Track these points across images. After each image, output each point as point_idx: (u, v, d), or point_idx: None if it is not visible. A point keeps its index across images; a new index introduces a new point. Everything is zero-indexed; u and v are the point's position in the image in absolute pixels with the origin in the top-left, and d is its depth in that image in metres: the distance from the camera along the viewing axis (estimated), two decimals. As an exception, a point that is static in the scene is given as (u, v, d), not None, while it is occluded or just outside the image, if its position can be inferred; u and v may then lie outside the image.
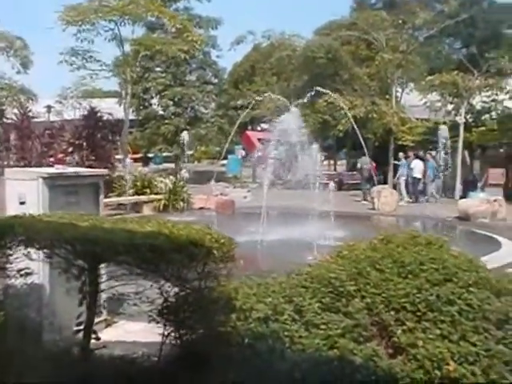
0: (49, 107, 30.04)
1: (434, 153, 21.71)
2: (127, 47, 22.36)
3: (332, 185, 16.58)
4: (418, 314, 4.51)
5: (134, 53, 21.55)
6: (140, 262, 3.70)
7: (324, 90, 17.89)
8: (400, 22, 25.95)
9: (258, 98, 18.84)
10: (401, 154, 23.33)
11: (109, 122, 20.10)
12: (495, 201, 15.92)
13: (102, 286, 4.17)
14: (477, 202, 15.98)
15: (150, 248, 3.57)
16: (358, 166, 23.01)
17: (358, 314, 4.46)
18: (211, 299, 4.23)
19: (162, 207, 16.96)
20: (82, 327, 3.98)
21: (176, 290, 4.16)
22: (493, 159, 26.14)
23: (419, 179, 22.09)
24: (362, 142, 17.53)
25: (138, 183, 17.57)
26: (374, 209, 18.45)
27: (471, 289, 4.66)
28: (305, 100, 22.36)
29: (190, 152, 35.93)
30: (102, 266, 4.10)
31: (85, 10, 18.72)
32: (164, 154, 35.52)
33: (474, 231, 13.53)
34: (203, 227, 4.39)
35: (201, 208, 17.99)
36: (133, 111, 31.27)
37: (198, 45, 21.04)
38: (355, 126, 17.07)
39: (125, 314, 5.57)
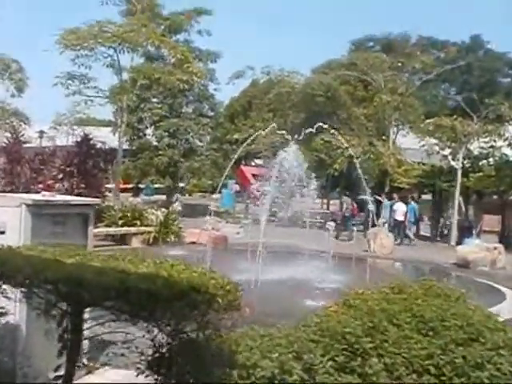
0: (41, 132, 29.61)
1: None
2: (125, 75, 22.20)
3: (331, 224, 16.18)
4: (443, 378, 4.01)
5: (132, 81, 21.27)
6: (133, 308, 3.18)
7: (324, 125, 17.55)
8: (399, 64, 26.05)
9: (261, 132, 18.36)
10: (383, 196, 23.16)
11: (101, 151, 19.67)
12: (495, 248, 15.55)
13: (86, 333, 3.63)
14: (476, 248, 15.58)
15: (145, 293, 3.07)
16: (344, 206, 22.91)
17: (377, 377, 3.96)
18: (210, 352, 3.71)
19: (151, 240, 16.39)
20: (59, 381, 3.43)
21: (170, 340, 3.64)
22: (488, 206, 25.94)
23: (401, 221, 21.95)
24: (363, 181, 17.13)
25: (128, 214, 17.01)
26: (368, 251, 17.96)
27: (501, 351, 4.18)
28: (301, 137, 22.11)
29: (182, 184, 35.56)
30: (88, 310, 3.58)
31: (84, 35, 18.41)
32: (155, 186, 35.06)
33: (474, 280, 13.06)
34: (206, 270, 3.91)
35: (192, 242, 17.43)
36: (126, 141, 30.92)
37: (198, 76, 20.80)
38: (356, 163, 16.68)
39: (108, 362, 5.02)
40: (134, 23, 18.53)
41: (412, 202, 23.41)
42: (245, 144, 19.97)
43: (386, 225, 22.00)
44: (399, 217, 22.03)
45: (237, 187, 31.35)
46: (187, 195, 43.77)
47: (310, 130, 20.27)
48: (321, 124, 16.75)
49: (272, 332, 4.36)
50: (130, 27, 18.33)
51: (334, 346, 4.08)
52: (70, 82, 20.76)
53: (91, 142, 18.89)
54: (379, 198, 23.15)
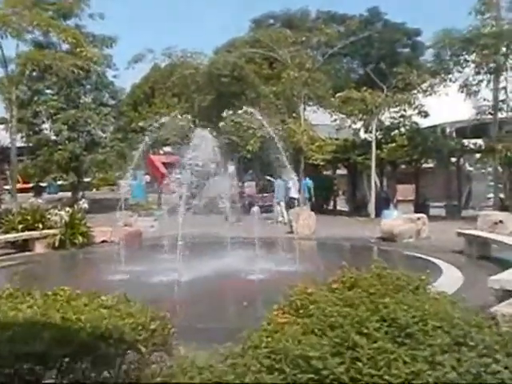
0: None
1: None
2: (12, 66, 20.08)
3: (256, 208, 15.40)
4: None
5: (20, 70, 19.16)
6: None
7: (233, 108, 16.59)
8: (303, 38, 25.54)
9: (165, 119, 17.04)
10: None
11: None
12: (419, 219, 15.35)
13: None
14: (400, 221, 15.34)
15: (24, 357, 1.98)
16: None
17: (357, 412, 3.09)
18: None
19: (57, 243, 14.80)
20: None
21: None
22: (401, 176, 26.23)
23: (296, 199, 21.59)
24: (278, 161, 16.35)
25: (29, 217, 15.27)
26: (291, 232, 17.34)
27: (497, 356, 3.43)
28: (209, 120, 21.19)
29: (88, 179, 33.47)
30: None
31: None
32: (59, 183, 32.72)
33: (405, 254, 12.73)
34: (120, 299, 2.84)
35: (103, 241, 16.02)
36: (22, 137, 28.51)
37: (93, 62, 19.06)
38: (277, 142, 15.85)
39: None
40: (16, 6, 16.46)
41: (306, 179, 23.66)
42: (146, 133, 18.50)
43: (282, 203, 21.62)
44: (294, 194, 21.70)
45: (147, 178, 29.80)
46: (95, 190, 41.58)
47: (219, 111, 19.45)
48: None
49: (212, 362, 3.39)
50: (10, 11, 16.23)
51: (296, 376, 3.17)
52: None
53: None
54: (270, 178, 23.04)
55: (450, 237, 14.09)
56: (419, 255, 12.26)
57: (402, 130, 23.45)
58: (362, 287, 4.69)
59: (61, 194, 35.01)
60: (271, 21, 39.29)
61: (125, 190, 19.42)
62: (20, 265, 13.03)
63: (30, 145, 28.47)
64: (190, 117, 18.55)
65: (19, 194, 26.04)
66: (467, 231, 13.23)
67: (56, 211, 15.29)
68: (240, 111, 17.78)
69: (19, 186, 36.79)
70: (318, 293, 4.78)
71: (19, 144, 29.75)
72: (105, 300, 2.73)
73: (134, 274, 10.57)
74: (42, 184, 34.19)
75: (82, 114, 26.72)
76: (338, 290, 4.75)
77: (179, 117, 22.08)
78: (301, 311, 4.62)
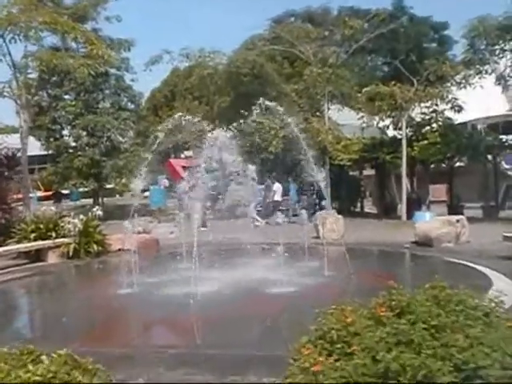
0: None
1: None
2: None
3: (281, 216, 14.45)
4: None
5: (39, 72, 18.42)
6: None
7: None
8: (326, 34, 24.45)
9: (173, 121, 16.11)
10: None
11: (4, 157, 17.08)
12: (458, 221, 14.04)
13: None
14: (437, 223, 14.05)
15: None
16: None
17: None
18: None
19: (71, 253, 14.02)
20: None
21: None
22: (433, 175, 24.80)
23: (280, 202, 21.67)
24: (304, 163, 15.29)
25: (42, 225, 14.52)
26: (318, 237, 16.27)
27: None
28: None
29: (110, 185, 32.91)
30: None
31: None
32: (81, 190, 32.29)
33: (447, 261, 11.50)
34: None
35: (119, 250, 15.13)
36: (42, 144, 28.17)
37: (105, 60, 18.24)
38: (300, 142, 14.79)
39: None
40: (23, 3, 15.70)
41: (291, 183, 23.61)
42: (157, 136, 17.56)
43: (252, 206, 20.94)
44: (277, 197, 21.43)
45: (166, 182, 28.99)
46: (118, 196, 41.03)
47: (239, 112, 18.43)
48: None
49: None
50: (16, 9, 15.46)
51: None
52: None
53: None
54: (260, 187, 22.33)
55: (491, 240, 13.01)
56: (463, 262, 11.03)
57: (434, 126, 21.96)
58: (417, 314, 3.63)
59: (83, 200, 34.58)
60: (292, 19, 38.31)
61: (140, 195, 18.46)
62: (26, 277, 12.26)
63: (50, 152, 28.14)
64: (206, 121, 17.83)
65: (44, 202, 25.66)
66: (515, 235, 11.96)
67: (69, 219, 14.50)
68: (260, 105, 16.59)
69: (40, 193, 36.57)
70: (360, 321, 3.74)
71: (39, 152, 29.45)
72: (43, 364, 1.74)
73: (145, 286, 9.66)
74: (63, 191, 33.83)
75: (101, 119, 26.17)
76: (385, 318, 3.70)
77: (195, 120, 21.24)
78: (338, 346, 3.59)
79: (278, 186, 21.05)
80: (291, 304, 7.95)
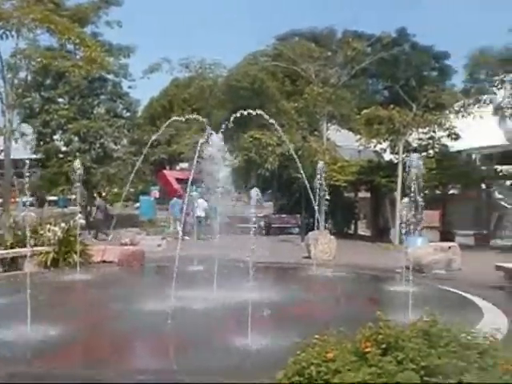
0: None
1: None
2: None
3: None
4: None
5: (16, 68, 17.88)
6: None
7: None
8: (329, 54, 24.28)
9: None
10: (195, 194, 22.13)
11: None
12: (450, 248, 13.76)
13: None
14: (430, 249, 13.74)
15: None
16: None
17: None
18: None
19: (49, 262, 13.37)
20: None
21: None
22: (427, 200, 24.56)
23: (203, 217, 21.41)
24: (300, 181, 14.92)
25: (19, 232, 13.92)
26: (309, 257, 15.91)
27: None
28: (227, 135, 19.80)
29: (103, 194, 32.34)
30: None
31: None
32: (69, 197, 31.62)
33: (437, 288, 11.13)
34: None
35: (102, 261, 14.62)
36: (31, 148, 27.51)
37: (100, 64, 17.84)
38: (295, 157, 14.46)
39: None
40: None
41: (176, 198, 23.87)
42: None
43: (177, 220, 22.07)
44: (200, 213, 21.02)
45: (157, 193, 28.52)
46: (108, 205, 40.45)
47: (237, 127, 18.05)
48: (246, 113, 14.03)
49: None
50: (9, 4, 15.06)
51: None
52: None
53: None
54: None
55: (483, 269, 12.79)
56: (453, 290, 10.68)
57: (431, 152, 21.92)
58: (405, 352, 3.23)
59: (72, 208, 33.96)
60: (296, 38, 38.28)
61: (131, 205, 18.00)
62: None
63: (38, 156, 27.39)
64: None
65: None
66: (508, 265, 11.67)
67: (50, 226, 13.91)
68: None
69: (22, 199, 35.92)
70: (343, 358, 3.32)
71: (27, 156, 28.85)
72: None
73: (117, 301, 9.14)
74: (50, 197, 33.18)
75: (94, 125, 25.62)
76: (370, 355, 3.29)
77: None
78: (318, 384, 3.20)
79: (201, 202, 20.85)
80: (269, 330, 7.39)
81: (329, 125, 25.01)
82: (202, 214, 21.20)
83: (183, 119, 16.00)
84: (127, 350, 7.03)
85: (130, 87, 28.29)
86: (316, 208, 16.22)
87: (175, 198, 24.08)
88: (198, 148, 10.89)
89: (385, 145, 22.36)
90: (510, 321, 8.22)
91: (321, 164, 20.40)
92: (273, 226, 25.68)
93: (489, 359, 3.26)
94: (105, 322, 8.39)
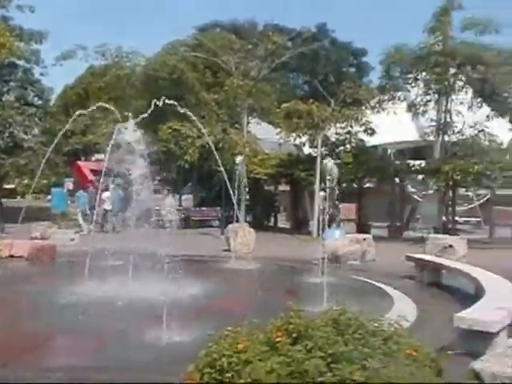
0: None
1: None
2: None
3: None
4: None
5: None
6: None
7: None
8: (250, 47, 24.24)
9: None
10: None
11: None
12: (364, 240, 14.19)
13: None
14: (346, 241, 14.11)
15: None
16: None
17: None
18: None
19: (-50, 257, 12.55)
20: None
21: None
22: (344, 194, 25.23)
23: (108, 210, 21.20)
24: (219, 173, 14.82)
25: None
26: (229, 250, 15.85)
27: None
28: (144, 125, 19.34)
29: (10, 186, 30.86)
30: None
31: None
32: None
33: (351, 278, 11.43)
34: None
35: (10, 256, 13.86)
36: None
37: (7, 48, 16.81)
38: (214, 149, 14.31)
39: None
40: None
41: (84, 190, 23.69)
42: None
43: (80, 214, 22.14)
44: (107, 206, 21.02)
45: (70, 185, 27.45)
46: (19, 197, 38.64)
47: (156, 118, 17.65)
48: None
49: None
50: None
51: None
52: None
53: None
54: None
55: (395, 260, 13.25)
56: (367, 280, 11.02)
57: (348, 146, 22.49)
58: (314, 341, 3.20)
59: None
60: (217, 29, 38.07)
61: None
62: None
63: None
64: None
65: None
66: (417, 255, 12.19)
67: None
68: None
69: None
70: (254, 348, 3.25)
71: None
72: None
73: (26, 297, 8.69)
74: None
75: (3, 113, 24.23)
76: (281, 345, 3.24)
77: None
78: (227, 375, 3.10)
79: (107, 195, 20.56)
80: (182, 322, 7.24)
81: (249, 118, 25.03)
82: (109, 207, 20.75)
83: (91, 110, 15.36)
84: (37, 348, 6.66)
85: (42, 74, 27.06)
86: (236, 201, 16.22)
87: (81, 191, 23.62)
88: (113, 138, 10.49)
89: (304, 138, 22.67)
90: (418, 308, 8.60)
91: (240, 157, 20.48)
92: (193, 218, 25.46)
93: (393, 345, 3.31)
94: (13, 320, 7.91)
